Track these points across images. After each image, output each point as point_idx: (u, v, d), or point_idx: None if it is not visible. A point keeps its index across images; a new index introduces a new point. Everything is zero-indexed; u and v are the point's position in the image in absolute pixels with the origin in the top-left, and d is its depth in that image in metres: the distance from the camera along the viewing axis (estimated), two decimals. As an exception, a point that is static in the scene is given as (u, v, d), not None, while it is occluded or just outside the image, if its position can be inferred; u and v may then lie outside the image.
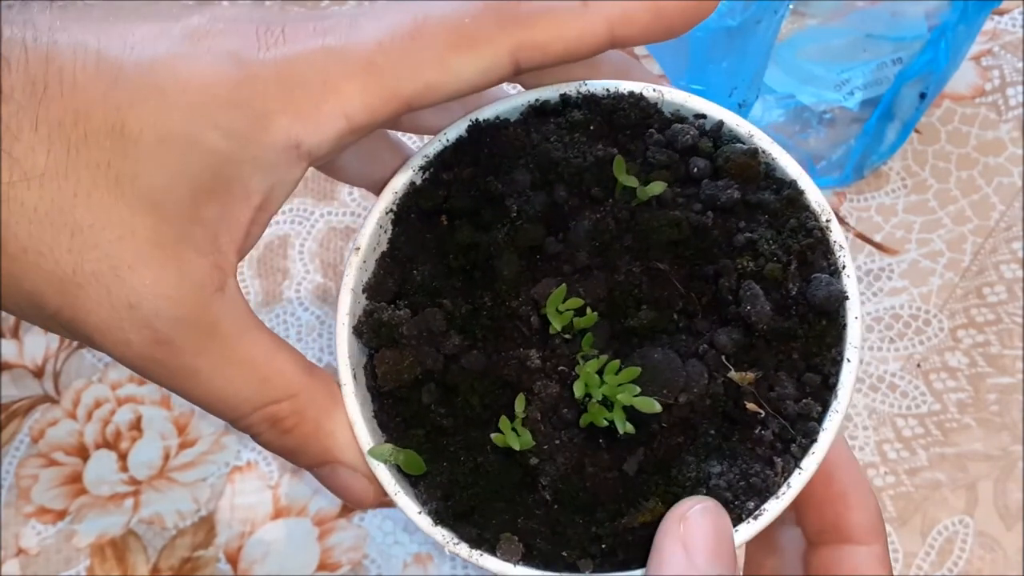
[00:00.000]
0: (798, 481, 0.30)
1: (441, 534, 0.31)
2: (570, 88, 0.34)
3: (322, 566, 0.50)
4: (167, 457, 0.52)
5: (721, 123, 0.34)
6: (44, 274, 0.27)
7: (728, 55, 0.51)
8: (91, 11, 0.29)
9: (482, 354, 0.32)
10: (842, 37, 0.60)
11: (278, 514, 0.51)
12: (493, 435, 0.31)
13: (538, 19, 0.29)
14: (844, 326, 0.31)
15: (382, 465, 0.31)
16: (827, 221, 0.32)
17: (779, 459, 0.30)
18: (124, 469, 0.51)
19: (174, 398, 0.53)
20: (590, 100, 0.34)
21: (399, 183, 0.34)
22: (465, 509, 0.31)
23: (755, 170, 0.33)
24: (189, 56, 0.28)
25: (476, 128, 0.34)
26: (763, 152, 0.33)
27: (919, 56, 0.56)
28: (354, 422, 0.32)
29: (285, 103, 0.28)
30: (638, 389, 0.30)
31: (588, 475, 0.31)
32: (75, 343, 0.54)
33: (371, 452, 0.31)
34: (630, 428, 0.30)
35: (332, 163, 0.38)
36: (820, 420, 0.30)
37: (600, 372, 0.31)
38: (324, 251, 0.58)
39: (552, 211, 0.33)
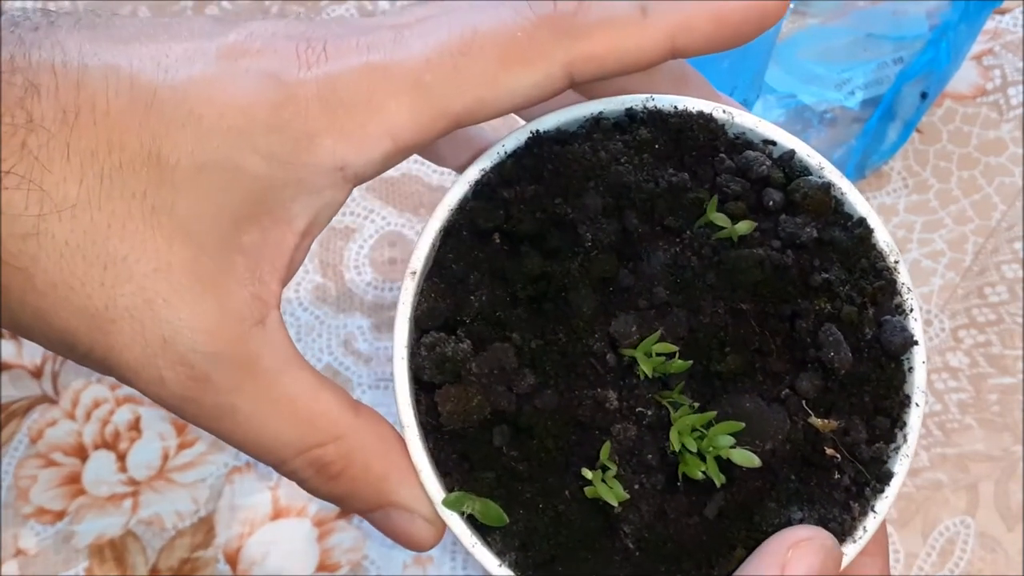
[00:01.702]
0: (872, 524, 0.30)
1: None
2: (636, 102, 0.32)
3: (321, 567, 0.50)
4: (166, 458, 0.52)
5: (793, 152, 0.33)
6: (75, 310, 0.26)
7: (729, 54, 0.51)
8: (122, 30, 0.27)
9: (555, 393, 0.30)
10: (843, 37, 0.59)
11: (277, 515, 0.51)
12: (586, 489, 0.29)
13: (594, 31, 0.27)
14: (911, 369, 0.31)
15: (455, 516, 0.29)
16: (895, 262, 0.32)
17: (855, 503, 0.30)
18: (123, 470, 0.51)
19: (173, 398, 0.53)
20: (656, 117, 0.32)
21: (453, 198, 0.31)
22: (546, 559, 0.29)
23: (828, 206, 0.32)
24: (226, 78, 0.27)
25: (536, 140, 0.32)
26: (834, 186, 0.32)
27: (920, 56, 0.56)
28: (420, 469, 0.30)
29: (329, 124, 0.27)
30: (734, 441, 0.29)
31: (670, 521, 0.30)
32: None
33: (445, 502, 0.29)
34: (721, 478, 0.29)
35: (430, 152, 0.36)
36: (890, 463, 0.31)
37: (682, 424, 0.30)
38: (324, 251, 0.57)
39: (622, 240, 0.31)
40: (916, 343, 0.31)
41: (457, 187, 0.31)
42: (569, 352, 0.30)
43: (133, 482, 0.51)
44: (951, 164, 0.61)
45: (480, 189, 0.31)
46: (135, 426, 0.52)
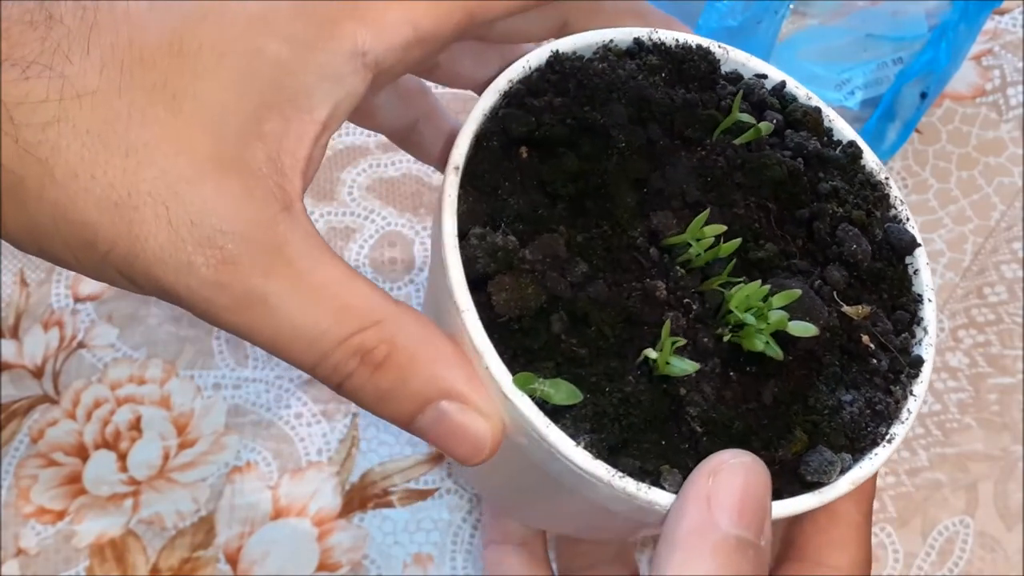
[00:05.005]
0: (914, 406, 0.32)
1: (604, 468, 0.28)
2: (642, 33, 0.35)
3: (322, 566, 0.50)
4: (167, 457, 0.52)
5: (784, 83, 0.37)
6: (96, 200, 0.25)
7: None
8: None
9: (604, 284, 0.30)
10: (842, 37, 0.59)
11: (278, 514, 0.51)
12: (656, 360, 0.28)
13: None
14: (916, 272, 0.34)
15: (525, 398, 0.28)
16: (885, 178, 0.36)
17: (895, 387, 0.32)
18: (124, 469, 0.51)
19: (174, 398, 0.53)
20: (660, 47, 0.35)
21: (486, 104, 0.32)
22: (618, 442, 0.29)
23: (823, 126, 0.36)
24: None
25: (557, 58, 0.34)
26: (823, 112, 0.36)
27: (919, 56, 0.56)
28: (483, 351, 0.28)
29: (351, 10, 0.27)
30: (788, 315, 0.30)
31: (730, 406, 0.30)
32: (74, 344, 0.54)
33: (516, 381, 0.27)
34: (780, 353, 0.30)
35: (366, 105, 0.37)
36: (917, 351, 0.33)
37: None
38: (324, 251, 0.57)
39: (648, 148, 0.33)
40: (920, 244, 0.34)
41: (488, 95, 0.32)
42: (613, 246, 0.31)
43: (134, 482, 0.51)
44: (950, 164, 0.61)
45: (510, 99, 0.33)
46: (136, 426, 0.52)
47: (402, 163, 0.60)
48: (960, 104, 0.63)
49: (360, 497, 0.51)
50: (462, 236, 0.30)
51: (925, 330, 0.33)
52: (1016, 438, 0.55)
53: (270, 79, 0.26)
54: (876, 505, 0.53)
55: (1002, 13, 0.65)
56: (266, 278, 0.26)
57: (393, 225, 0.58)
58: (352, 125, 0.59)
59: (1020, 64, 0.64)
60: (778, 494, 0.29)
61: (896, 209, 0.35)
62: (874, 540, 0.52)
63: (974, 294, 0.58)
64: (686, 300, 0.31)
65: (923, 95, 0.57)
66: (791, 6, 0.58)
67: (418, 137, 0.40)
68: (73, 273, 0.56)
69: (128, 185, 0.25)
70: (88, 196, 0.25)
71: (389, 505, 0.51)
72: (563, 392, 0.28)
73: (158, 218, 0.25)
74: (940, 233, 0.59)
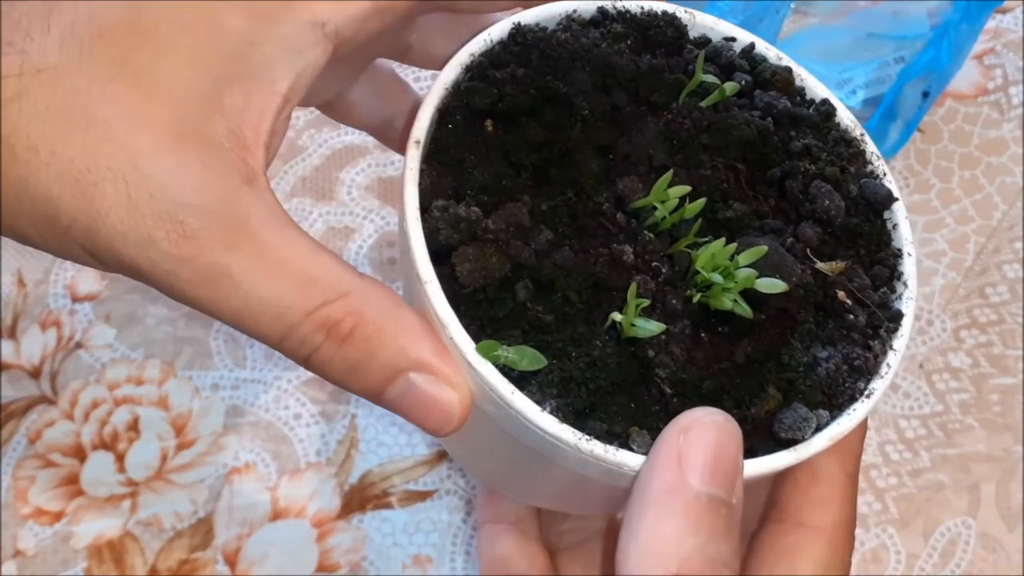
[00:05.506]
0: (895, 360, 0.31)
1: (570, 432, 0.27)
2: (606, 2, 0.35)
3: (320, 567, 0.50)
4: (165, 458, 0.51)
5: (752, 45, 0.36)
6: (57, 175, 0.25)
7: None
8: None
9: (570, 251, 0.30)
10: (844, 36, 0.59)
11: (276, 515, 0.50)
12: (622, 323, 0.28)
13: None
14: (895, 226, 0.34)
15: (489, 365, 0.28)
16: (860, 135, 0.35)
17: (874, 342, 0.31)
18: (121, 470, 0.51)
19: (172, 398, 0.53)
20: (625, 15, 0.35)
21: (448, 78, 0.32)
22: (585, 406, 0.29)
23: (794, 85, 0.36)
24: None
25: (519, 30, 0.34)
26: (793, 71, 0.36)
27: (921, 55, 0.56)
28: (447, 322, 0.28)
29: None
30: (756, 273, 0.29)
31: (702, 367, 0.30)
32: (72, 344, 0.54)
33: (479, 349, 0.27)
34: (749, 312, 0.29)
35: (342, 101, 0.37)
36: (897, 305, 0.33)
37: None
38: (323, 251, 0.57)
39: (614, 116, 0.33)
40: (896, 199, 0.34)
41: (449, 69, 0.33)
42: (579, 212, 0.31)
43: (132, 483, 0.51)
44: (952, 163, 0.61)
45: (472, 72, 0.33)
46: (133, 427, 0.52)
47: (401, 163, 0.60)
48: (962, 103, 0.62)
49: (359, 498, 0.51)
50: (426, 209, 0.30)
51: (905, 284, 0.33)
52: (1018, 439, 0.54)
53: (229, 52, 0.26)
54: (878, 507, 0.53)
55: (1004, 12, 0.65)
56: (229, 251, 0.25)
57: (392, 225, 0.58)
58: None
59: (1022, 63, 0.63)
60: (752, 453, 0.29)
61: (872, 164, 0.35)
62: (876, 541, 0.52)
63: (976, 294, 0.58)
64: (654, 263, 0.30)
65: (925, 94, 0.57)
66: (792, 5, 0.58)
67: (395, 133, 0.40)
68: (71, 273, 0.55)
69: (88, 160, 0.25)
70: (49, 171, 0.25)
71: (388, 506, 0.51)
72: (527, 358, 0.28)
73: (118, 192, 0.25)
74: (942, 233, 0.59)
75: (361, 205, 0.58)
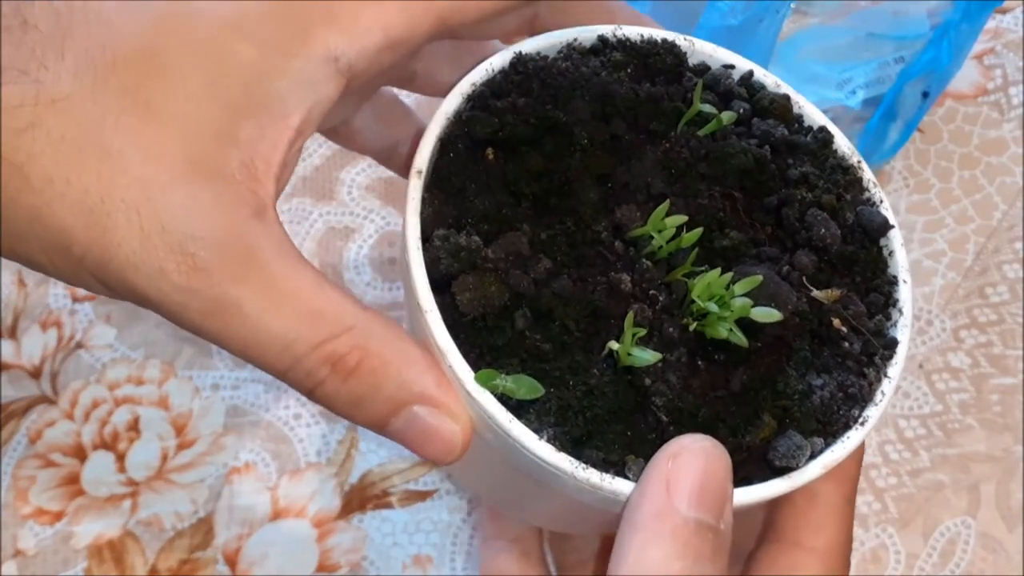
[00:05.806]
0: (889, 388, 0.31)
1: (567, 460, 0.28)
2: (607, 31, 0.36)
3: (321, 567, 0.50)
4: (165, 458, 0.51)
5: (751, 72, 0.37)
6: (71, 205, 0.25)
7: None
8: None
9: (569, 279, 0.30)
10: (844, 36, 0.59)
11: (276, 515, 0.51)
12: (619, 351, 0.29)
13: None
14: (891, 253, 0.34)
15: (487, 394, 0.28)
16: (858, 162, 0.35)
17: (868, 369, 0.32)
18: (122, 470, 0.51)
19: (172, 398, 0.53)
20: (625, 44, 0.36)
21: (449, 108, 0.32)
22: (582, 434, 0.29)
23: (792, 113, 0.36)
24: None
25: (520, 59, 0.34)
26: (792, 98, 0.36)
27: (921, 55, 0.56)
28: (446, 351, 0.28)
29: (323, 15, 0.27)
30: (752, 302, 0.30)
31: (698, 395, 0.30)
32: (72, 344, 0.54)
33: (477, 379, 0.28)
34: (744, 341, 0.30)
35: (347, 127, 0.37)
36: (892, 333, 0.33)
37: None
38: (323, 251, 0.57)
39: (613, 144, 0.33)
40: (892, 226, 0.34)
41: (451, 98, 0.33)
42: (578, 241, 0.31)
43: (132, 483, 0.51)
44: (952, 164, 0.61)
45: (473, 101, 0.33)
46: (134, 426, 0.52)
47: (402, 162, 0.60)
48: (962, 103, 0.62)
49: (359, 498, 0.51)
50: (427, 239, 0.30)
51: (900, 311, 0.33)
52: (1018, 439, 0.54)
53: (243, 84, 0.26)
54: (878, 507, 0.53)
55: (1004, 12, 0.65)
56: (237, 284, 0.26)
57: (392, 225, 0.58)
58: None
59: (1022, 63, 0.63)
60: (747, 480, 0.29)
61: (869, 192, 0.35)
62: (875, 541, 0.52)
63: (976, 294, 0.58)
64: (652, 292, 0.31)
65: (925, 94, 0.57)
66: (792, 5, 0.58)
67: (399, 159, 0.40)
68: (71, 273, 0.55)
69: (102, 191, 0.25)
70: (63, 201, 0.25)
71: (388, 506, 0.51)
72: (524, 387, 0.28)
73: (130, 224, 0.25)
74: (942, 233, 0.59)
75: (361, 205, 0.58)
